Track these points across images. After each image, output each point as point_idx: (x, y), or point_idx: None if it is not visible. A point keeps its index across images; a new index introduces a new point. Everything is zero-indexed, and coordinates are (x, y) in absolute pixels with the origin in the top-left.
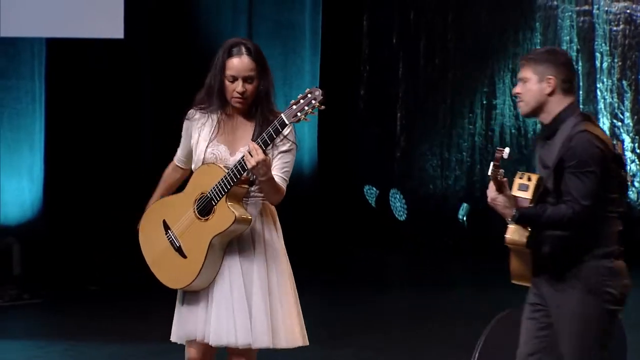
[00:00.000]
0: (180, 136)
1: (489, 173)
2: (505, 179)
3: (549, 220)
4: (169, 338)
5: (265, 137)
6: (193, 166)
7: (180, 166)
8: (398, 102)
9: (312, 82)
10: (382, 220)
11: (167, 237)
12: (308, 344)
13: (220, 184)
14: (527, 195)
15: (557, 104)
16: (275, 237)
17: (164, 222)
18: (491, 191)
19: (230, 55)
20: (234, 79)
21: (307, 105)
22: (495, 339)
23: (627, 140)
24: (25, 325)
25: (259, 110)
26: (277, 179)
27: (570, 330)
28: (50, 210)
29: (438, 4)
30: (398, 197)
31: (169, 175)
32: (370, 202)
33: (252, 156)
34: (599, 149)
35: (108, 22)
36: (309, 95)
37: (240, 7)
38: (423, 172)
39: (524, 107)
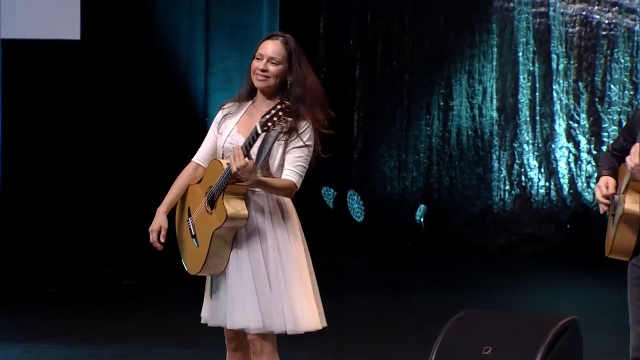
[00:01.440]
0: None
1: None
2: None
3: None
4: (129, 340)
5: (245, 143)
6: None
7: (202, 165)
8: (355, 104)
9: None
10: (340, 221)
11: (188, 223)
12: (325, 325)
13: (219, 181)
14: None
15: None
16: (284, 227)
17: (188, 209)
18: (635, 157)
19: (265, 39)
20: (261, 57)
21: (275, 117)
22: (452, 339)
23: (583, 141)
24: None
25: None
26: (287, 171)
27: None
28: (5, 208)
29: (395, 6)
30: (356, 198)
31: (188, 174)
32: (328, 203)
33: (235, 161)
34: None
35: (65, 23)
36: (278, 107)
37: (197, 8)
38: (380, 173)
39: None
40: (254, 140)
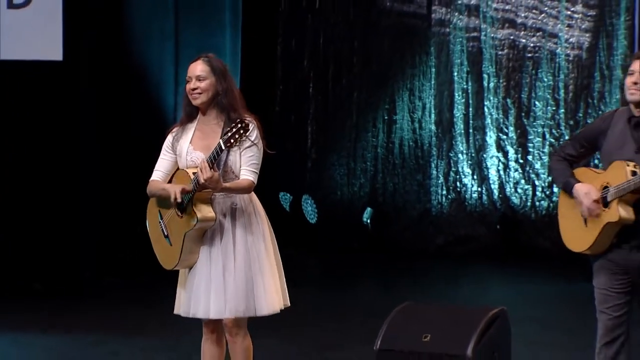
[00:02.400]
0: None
1: None
2: None
3: None
4: (106, 330)
5: (211, 157)
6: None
7: (162, 180)
8: (309, 118)
9: None
10: (295, 223)
11: (160, 225)
12: (288, 304)
13: (187, 190)
14: None
15: None
16: (254, 223)
17: (159, 212)
18: None
19: (190, 63)
20: (190, 79)
21: (237, 134)
22: (395, 327)
23: (511, 151)
24: None
25: (225, 117)
26: (244, 171)
27: None
28: None
29: (345, 31)
30: (309, 202)
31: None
32: (285, 207)
33: (202, 172)
34: None
35: (47, 45)
36: (239, 125)
37: (167, 33)
38: (331, 180)
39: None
40: (218, 155)
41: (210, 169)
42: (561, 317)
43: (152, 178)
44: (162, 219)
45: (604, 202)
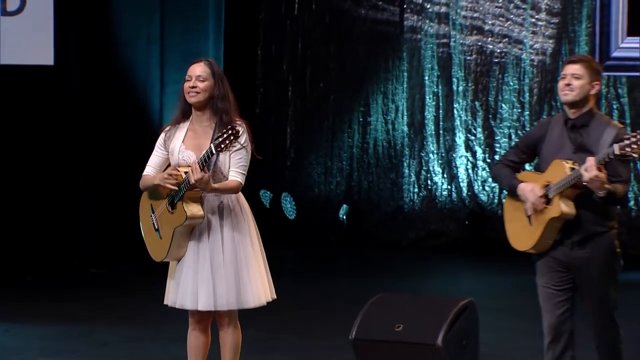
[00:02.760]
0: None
1: (617, 152)
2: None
3: (619, 197)
4: (95, 320)
5: (202, 160)
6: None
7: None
8: (288, 119)
9: None
10: (275, 219)
11: (151, 218)
12: (275, 297)
13: (178, 188)
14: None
15: (591, 102)
16: (241, 220)
17: (151, 205)
18: (594, 169)
19: (192, 64)
20: (190, 78)
21: (228, 140)
22: (370, 318)
23: (479, 151)
24: None
25: (217, 118)
26: (231, 174)
27: (596, 279)
28: None
29: (322, 37)
30: (289, 199)
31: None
32: (265, 203)
33: (193, 174)
34: None
35: (38, 49)
36: (230, 132)
37: (153, 38)
38: (309, 178)
39: (573, 97)
40: (209, 158)
41: (201, 170)
42: (525, 306)
43: (144, 173)
44: (153, 212)
45: (547, 200)
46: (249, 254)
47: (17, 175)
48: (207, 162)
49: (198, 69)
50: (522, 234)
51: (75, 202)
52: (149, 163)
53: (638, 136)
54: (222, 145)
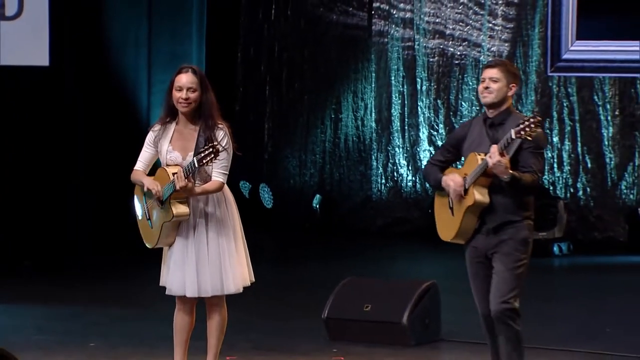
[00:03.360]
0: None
1: (501, 147)
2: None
3: (526, 184)
4: (87, 302)
5: (186, 170)
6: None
7: (143, 170)
8: (266, 116)
9: None
10: (253, 207)
11: (143, 207)
12: (253, 280)
13: (166, 189)
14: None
15: (508, 103)
16: (224, 211)
17: (144, 196)
18: (497, 155)
19: (179, 73)
20: (180, 89)
21: (209, 156)
22: (340, 299)
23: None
24: None
25: (202, 122)
26: (215, 173)
27: (507, 260)
28: None
29: (297, 41)
30: (266, 189)
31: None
32: (244, 193)
33: (178, 180)
34: (546, 137)
35: (34, 51)
36: (211, 149)
37: (141, 41)
38: (285, 170)
39: (491, 99)
40: (192, 169)
41: (185, 178)
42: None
43: (135, 167)
44: (145, 202)
45: (464, 190)
46: (231, 245)
47: (16, 168)
48: (190, 172)
49: (187, 80)
50: (447, 225)
51: (69, 192)
52: (139, 158)
53: (531, 119)
54: (204, 161)
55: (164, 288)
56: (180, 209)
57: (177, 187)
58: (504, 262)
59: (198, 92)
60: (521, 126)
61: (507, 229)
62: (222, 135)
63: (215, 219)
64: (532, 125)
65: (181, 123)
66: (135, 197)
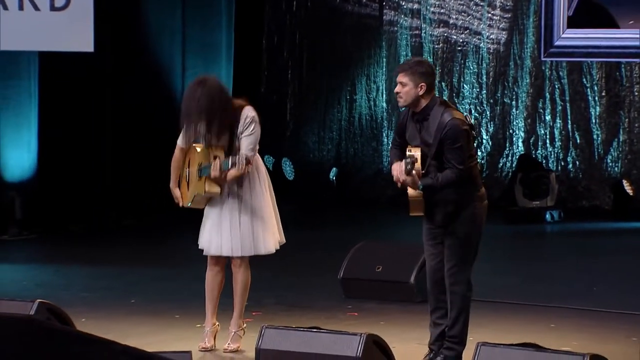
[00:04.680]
0: None
1: (405, 168)
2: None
3: (443, 184)
4: (126, 263)
5: (224, 164)
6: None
7: (183, 147)
8: (288, 97)
9: (228, 84)
10: (276, 179)
11: (187, 171)
12: (284, 242)
13: (204, 168)
14: (418, 166)
15: (425, 99)
16: (256, 179)
17: (189, 161)
18: (401, 175)
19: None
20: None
21: (237, 162)
22: (355, 261)
23: None
24: (24, 254)
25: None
26: (243, 150)
27: (454, 239)
28: (41, 173)
29: (316, 29)
30: (288, 163)
31: (179, 157)
32: (268, 167)
33: (212, 171)
34: (464, 129)
35: (80, 39)
36: (243, 161)
37: (175, 30)
38: (306, 145)
39: (402, 103)
40: (226, 167)
41: (220, 171)
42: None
43: (178, 144)
44: (188, 167)
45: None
46: (262, 211)
47: (63, 144)
48: (225, 168)
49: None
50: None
51: (111, 166)
52: (180, 136)
53: (241, 161)
54: (235, 166)
55: (197, 250)
56: (212, 187)
57: (212, 176)
58: (455, 239)
59: (215, 127)
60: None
61: (457, 211)
62: (249, 121)
63: (249, 189)
64: None
65: None
66: (178, 161)
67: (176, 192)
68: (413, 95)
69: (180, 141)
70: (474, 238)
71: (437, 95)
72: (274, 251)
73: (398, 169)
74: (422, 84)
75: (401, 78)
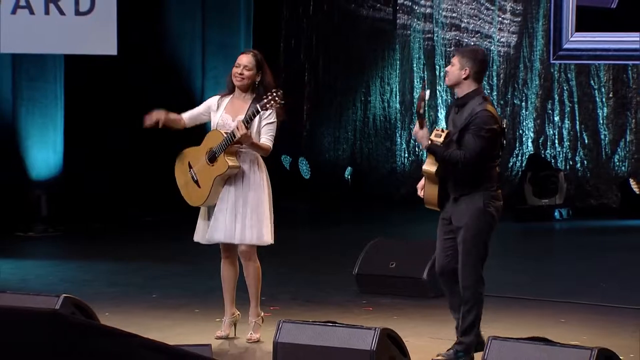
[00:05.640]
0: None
1: (260, 109)
2: (425, 119)
3: (446, 157)
4: (147, 259)
5: (247, 118)
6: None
7: (185, 120)
8: (304, 98)
9: None
10: (293, 178)
11: (190, 173)
12: (272, 242)
13: (221, 144)
14: (440, 140)
15: (468, 86)
16: (258, 175)
17: (189, 163)
18: (417, 127)
19: (241, 53)
20: (238, 66)
21: (273, 100)
22: (369, 257)
23: None
24: (50, 250)
25: (257, 96)
26: (263, 139)
27: (466, 235)
28: (66, 172)
29: (332, 33)
30: (304, 162)
31: (178, 117)
32: (285, 166)
33: (238, 130)
34: (493, 127)
35: (104, 42)
36: (274, 94)
37: (196, 33)
38: (321, 145)
39: (447, 81)
40: (254, 116)
41: (245, 127)
42: (496, 245)
43: (185, 114)
44: (191, 168)
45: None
46: (265, 204)
47: (87, 144)
48: (251, 119)
49: (246, 59)
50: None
51: (132, 164)
52: (193, 110)
53: (273, 94)
54: (268, 105)
55: (216, 246)
56: (233, 162)
57: (239, 135)
58: (465, 231)
59: (253, 71)
60: (264, 101)
61: (465, 199)
62: (270, 112)
63: (253, 180)
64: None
65: (236, 95)
66: (176, 167)
67: (158, 114)
68: (457, 76)
69: (188, 113)
70: (487, 235)
71: (483, 91)
72: (272, 242)
73: (417, 128)
74: (467, 68)
75: (453, 59)
